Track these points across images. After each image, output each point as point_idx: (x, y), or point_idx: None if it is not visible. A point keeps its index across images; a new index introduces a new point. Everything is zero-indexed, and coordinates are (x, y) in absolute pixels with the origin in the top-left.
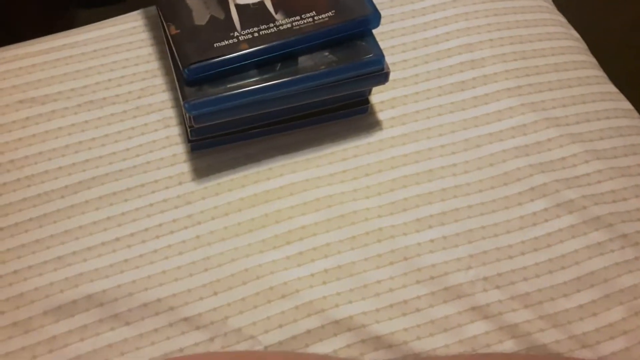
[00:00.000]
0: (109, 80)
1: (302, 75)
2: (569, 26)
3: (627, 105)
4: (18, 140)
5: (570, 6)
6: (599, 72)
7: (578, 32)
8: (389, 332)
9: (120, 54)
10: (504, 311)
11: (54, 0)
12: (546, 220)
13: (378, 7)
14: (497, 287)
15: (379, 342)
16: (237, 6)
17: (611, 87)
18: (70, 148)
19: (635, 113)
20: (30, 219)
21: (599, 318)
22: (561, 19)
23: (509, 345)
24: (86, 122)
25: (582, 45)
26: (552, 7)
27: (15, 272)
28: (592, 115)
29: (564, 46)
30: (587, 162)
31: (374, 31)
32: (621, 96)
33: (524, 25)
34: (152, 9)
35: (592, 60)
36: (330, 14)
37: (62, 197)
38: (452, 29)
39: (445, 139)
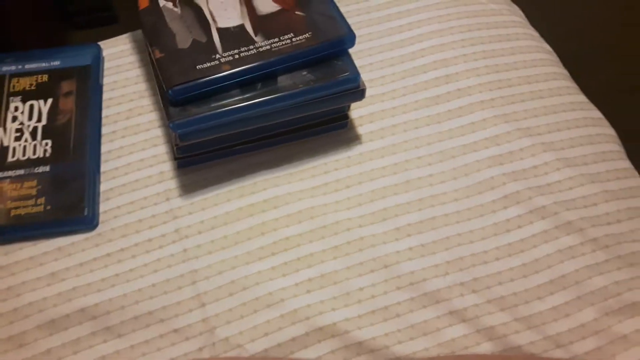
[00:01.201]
0: None
1: (282, 93)
2: (541, 40)
3: (597, 114)
4: None
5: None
6: (570, 83)
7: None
8: (370, 337)
9: (109, 76)
10: (481, 314)
11: (50, 23)
12: (519, 227)
13: (356, 25)
14: (474, 291)
15: (361, 348)
16: (219, 29)
17: (582, 97)
18: None
19: (605, 121)
20: (24, 237)
21: (572, 319)
22: (533, 32)
23: (486, 347)
24: None
25: (553, 57)
26: (525, 21)
27: (9, 288)
28: (563, 124)
29: (536, 59)
30: (558, 169)
31: (353, 49)
32: (591, 105)
33: (497, 40)
34: (139, 32)
35: (564, 71)
36: (307, 35)
37: None
38: (427, 46)
39: (422, 151)
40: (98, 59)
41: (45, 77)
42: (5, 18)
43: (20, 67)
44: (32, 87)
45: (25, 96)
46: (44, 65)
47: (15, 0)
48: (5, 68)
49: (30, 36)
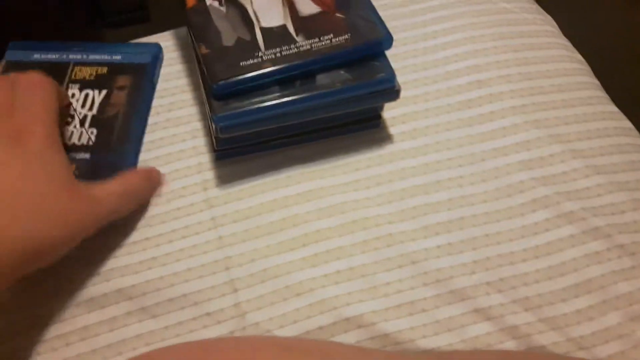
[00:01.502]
0: None
1: (320, 91)
2: (574, 49)
3: (627, 124)
4: None
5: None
6: (601, 93)
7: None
8: (396, 330)
9: None
10: (505, 313)
11: (81, 22)
12: (547, 230)
13: (393, 29)
14: (499, 291)
15: (387, 339)
16: (262, 29)
17: (612, 107)
18: None
19: (635, 132)
20: None
21: (596, 322)
22: (566, 42)
23: (509, 346)
24: None
25: (585, 67)
26: (558, 31)
27: (50, 267)
28: (594, 133)
29: (568, 68)
30: (587, 176)
31: (388, 52)
32: (622, 116)
33: (530, 48)
34: (181, 30)
35: (595, 81)
36: (346, 36)
37: None
38: (461, 51)
39: (453, 153)
40: (156, 59)
41: (104, 70)
42: (39, 17)
43: (84, 56)
44: (91, 77)
45: (83, 85)
46: (106, 57)
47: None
48: (71, 56)
49: (63, 36)
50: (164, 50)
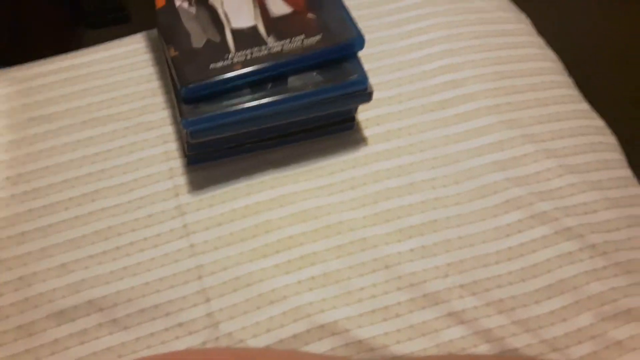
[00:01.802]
0: (112, 98)
1: (291, 94)
2: (547, 48)
3: (599, 122)
4: (26, 155)
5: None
6: (574, 92)
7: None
8: (370, 336)
9: (123, 74)
10: (479, 317)
11: (64, 22)
12: (520, 231)
13: (366, 29)
14: (473, 293)
15: (361, 346)
16: (232, 30)
17: (584, 106)
18: (75, 162)
19: (607, 130)
20: (36, 229)
21: (569, 323)
22: (540, 41)
23: (483, 349)
24: (90, 138)
25: (558, 65)
26: (532, 30)
27: (20, 278)
28: (566, 132)
29: (541, 67)
30: (560, 176)
31: (362, 53)
32: (594, 114)
33: (504, 47)
34: (154, 31)
35: (568, 80)
36: (318, 37)
37: (66, 208)
38: (435, 51)
39: (427, 154)
40: None
41: None
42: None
43: None
44: None
45: None
46: None
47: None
48: None
49: (45, 36)
50: (135, 53)
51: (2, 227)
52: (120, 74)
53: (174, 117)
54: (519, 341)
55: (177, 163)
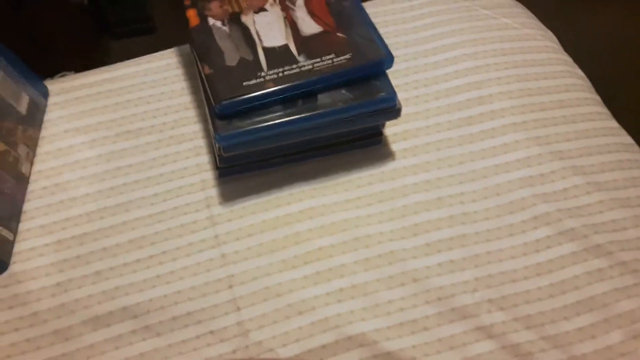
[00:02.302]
0: (145, 112)
1: (321, 111)
2: (574, 65)
3: (628, 140)
4: (62, 166)
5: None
6: (602, 109)
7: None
8: (398, 348)
9: (155, 88)
10: (507, 331)
11: (89, 33)
12: (548, 247)
13: (393, 46)
14: (501, 308)
15: (389, 358)
16: (264, 49)
17: (613, 123)
18: (109, 173)
19: (636, 147)
20: (72, 237)
21: (598, 340)
22: (567, 58)
23: None
24: (123, 150)
25: (586, 83)
26: (558, 46)
27: (57, 284)
28: (594, 149)
29: (569, 84)
30: (588, 193)
31: (389, 69)
32: (622, 131)
33: (531, 64)
34: (185, 47)
35: (596, 97)
36: (347, 56)
37: (102, 217)
38: (462, 68)
39: (454, 170)
40: None
41: None
42: (46, 29)
43: None
44: None
45: None
46: None
47: (56, 12)
48: None
49: (70, 47)
50: (168, 67)
51: (39, 236)
52: (152, 88)
53: (206, 130)
54: (548, 357)
55: (208, 175)
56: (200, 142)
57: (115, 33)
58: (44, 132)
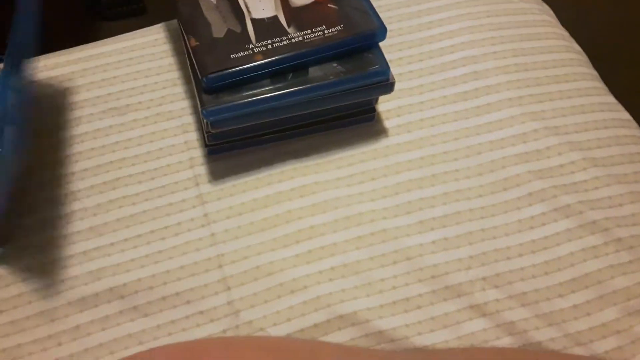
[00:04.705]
0: (132, 88)
1: (312, 84)
2: (571, 39)
3: (625, 115)
4: (48, 144)
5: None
6: (599, 84)
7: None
8: (391, 327)
9: (142, 64)
10: (502, 309)
11: (79, 15)
12: (543, 224)
13: (387, 20)
14: (495, 286)
15: (381, 337)
16: (253, 20)
17: (610, 98)
18: (96, 151)
19: (634, 123)
20: (58, 216)
21: (593, 318)
22: (564, 32)
23: (505, 342)
24: (110, 127)
25: (583, 57)
26: (555, 21)
27: (42, 264)
28: (591, 124)
29: (565, 58)
30: (584, 169)
31: (382, 43)
32: (620, 107)
33: (527, 39)
34: (173, 22)
35: (593, 72)
36: (339, 27)
37: (88, 196)
38: (457, 42)
39: (448, 146)
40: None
41: None
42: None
43: None
44: None
45: None
46: None
47: None
48: None
49: (61, 29)
50: (155, 43)
51: (24, 215)
52: (140, 64)
53: (194, 107)
54: (542, 335)
55: (197, 152)
56: (189, 119)
57: (105, 15)
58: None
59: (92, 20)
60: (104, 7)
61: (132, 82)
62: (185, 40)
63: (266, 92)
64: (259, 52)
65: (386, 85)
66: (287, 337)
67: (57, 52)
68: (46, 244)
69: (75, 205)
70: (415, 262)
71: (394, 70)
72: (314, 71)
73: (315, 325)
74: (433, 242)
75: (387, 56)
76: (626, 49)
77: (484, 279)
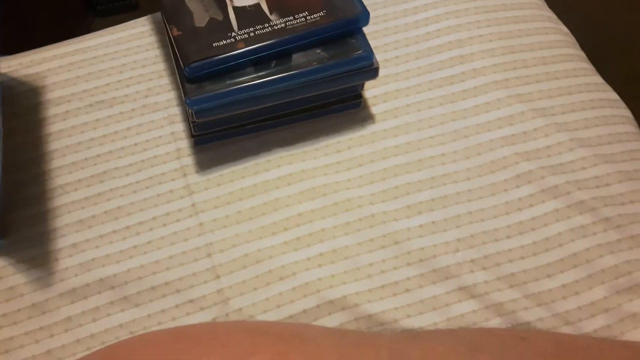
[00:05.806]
0: (118, 81)
1: (296, 71)
2: (558, 21)
3: (613, 95)
4: (36, 138)
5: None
6: (586, 65)
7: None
8: (380, 310)
9: (128, 57)
10: (490, 291)
11: (71, 11)
12: (531, 205)
13: (372, 7)
14: (484, 268)
15: (371, 320)
16: (235, 8)
17: (598, 79)
18: (83, 144)
19: (622, 103)
20: (47, 210)
21: (582, 297)
22: (550, 14)
23: (494, 323)
24: (97, 120)
25: (570, 39)
26: (542, 3)
27: (32, 258)
28: (578, 105)
29: (552, 40)
30: (572, 149)
31: (367, 30)
32: (607, 87)
33: (513, 22)
34: (158, 14)
35: (580, 53)
36: (321, 13)
37: (76, 189)
38: (443, 26)
39: (435, 131)
40: None
41: None
42: (28, 6)
43: None
44: None
45: None
46: None
47: None
48: None
49: (53, 25)
50: (141, 35)
51: (13, 209)
52: (125, 56)
53: (180, 98)
54: (531, 315)
55: (184, 144)
56: (175, 110)
57: (97, 11)
58: (15, 106)
59: (84, 17)
60: (96, 2)
61: (118, 75)
62: (167, 31)
63: (250, 79)
64: (241, 39)
65: (370, 70)
66: (274, 321)
67: (43, 47)
68: (36, 238)
69: (64, 199)
70: (403, 245)
71: (380, 56)
72: (297, 58)
73: (305, 311)
74: (421, 225)
75: (373, 42)
76: (618, 34)
77: (472, 261)
